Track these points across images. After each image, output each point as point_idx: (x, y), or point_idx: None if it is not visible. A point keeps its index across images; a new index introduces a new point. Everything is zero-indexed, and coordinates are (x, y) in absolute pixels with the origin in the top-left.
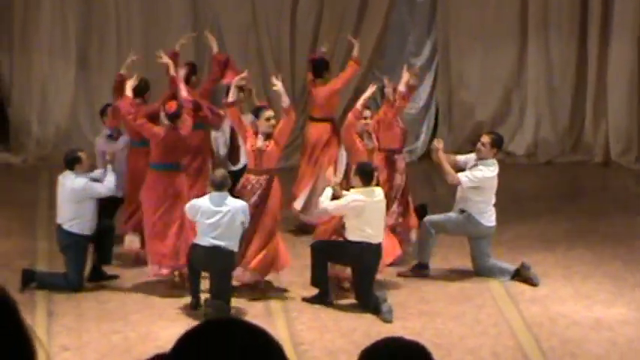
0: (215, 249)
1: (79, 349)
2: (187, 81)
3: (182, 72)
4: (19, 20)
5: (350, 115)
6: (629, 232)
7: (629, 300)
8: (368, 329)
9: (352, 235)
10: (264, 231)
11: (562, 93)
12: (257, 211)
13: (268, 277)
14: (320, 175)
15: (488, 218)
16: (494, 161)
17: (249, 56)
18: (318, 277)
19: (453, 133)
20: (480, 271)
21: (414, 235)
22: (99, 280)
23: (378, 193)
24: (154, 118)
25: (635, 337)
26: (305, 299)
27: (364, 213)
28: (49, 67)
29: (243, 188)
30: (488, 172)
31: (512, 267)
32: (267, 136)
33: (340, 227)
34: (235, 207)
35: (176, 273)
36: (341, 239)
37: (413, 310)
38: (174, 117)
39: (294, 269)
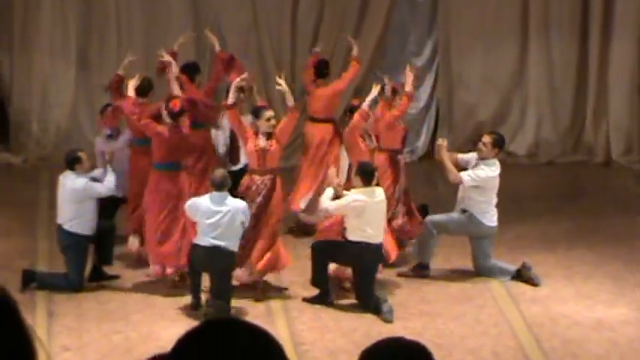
0: (215, 249)
1: (80, 349)
2: (192, 80)
3: (175, 70)
4: (19, 20)
5: (356, 116)
6: (630, 232)
7: (630, 300)
8: (369, 329)
9: (353, 235)
10: (269, 231)
11: (563, 93)
12: (262, 211)
13: (269, 278)
14: (326, 176)
15: (490, 218)
16: (496, 161)
17: (250, 56)
18: (319, 277)
19: (454, 133)
20: (481, 271)
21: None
22: (99, 280)
23: (379, 193)
24: (156, 118)
25: (636, 338)
26: (305, 299)
27: (365, 213)
28: (50, 67)
29: (248, 189)
30: (490, 171)
31: (513, 267)
32: (268, 136)
33: (342, 229)
34: (235, 207)
35: (177, 272)
36: (341, 239)
37: (414, 311)
38: (177, 115)
39: (295, 269)
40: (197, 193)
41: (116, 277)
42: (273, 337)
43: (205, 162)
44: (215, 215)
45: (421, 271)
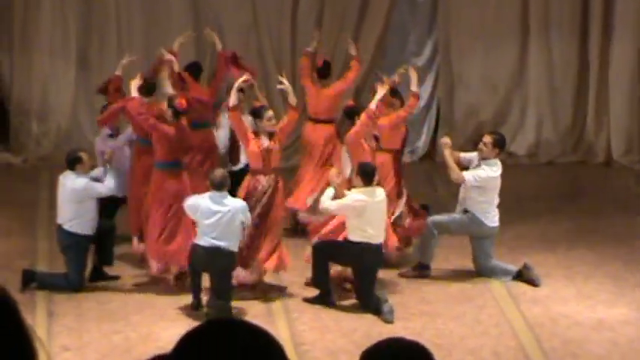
0: (215, 249)
1: (80, 350)
2: (196, 79)
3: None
4: (20, 20)
5: (364, 117)
6: (630, 232)
7: (630, 300)
8: (369, 330)
9: (353, 235)
10: (273, 231)
11: (563, 93)
12: (267, 211)
13: (269, 278)
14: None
15: (492, 219)
16: (497, 161)
17: (250, 56)
18: (319, 277)
19: (454, 133)
20: (482, 271)
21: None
22: (100, 280)
23: (380, 193)
24: (158, 117)
25: (636, 338)
26: (306, 300)
27: (365, 213)
28: (50, 67)
29: (254, 190)
30: (492, 172)
31: (514, 268)
32: (270, 136)
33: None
34: (235, 207)
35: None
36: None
37: (414, 311)
38: (182, 113)
39: (295, 269)
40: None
41: (116, 277)
42: (273, 337)
43: (210, 164)
44: (215, 215)
45: (422, 271)
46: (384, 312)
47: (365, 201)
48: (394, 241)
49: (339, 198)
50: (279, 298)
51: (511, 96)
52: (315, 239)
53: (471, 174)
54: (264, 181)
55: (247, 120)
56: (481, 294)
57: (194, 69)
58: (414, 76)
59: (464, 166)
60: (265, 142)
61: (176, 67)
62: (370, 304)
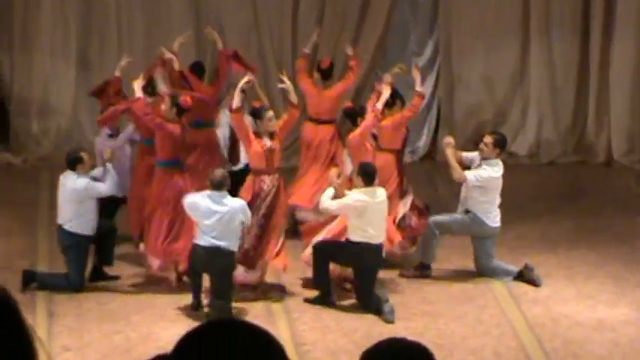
0: (215, 249)
1: (80, 350)
2: (200, 79)
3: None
4: (20, 20)
5: (371, 117)
6: (631, 232)
7: (631, 300)
8: (370, 330)
9: (354, 235)
10: (279, 230)
11: (564, 93)
12: (271, 211)
13: (270, 278)
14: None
15: (493, 219)
16: (499, 161)
17: (251, 56)
18: (320, 277)
19: (455, 133)
20: (483, 271)
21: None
22: (100, 280)
23: (380, 193)
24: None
25: (637, 338)
26: (307, 300)
27: (366, 213)
28: (50, 67)
29: (260, 190)
30: (493, 172)
31: (515, 268)
32: (270, 136)
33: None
34: (234, 207)
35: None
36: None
37: (415, 311)
38: (186, 111)
39: (296, 270)
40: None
41: (116, 277)
42: (274, 338)
43: (214, 162)
44: (214, 215)
45: (423, 271)
46: (385, 312)
47: (366, 201)
48: (398, 239)
49: (340, 198)
50: (279, 298)
51: (512, 96)
52: (309, 241)
53: (472, 174)
54: (268, 181)
55: (247, 120)
56: (482, 294)
57: (197, 68)
58: (417, 76)
59: (466, 166)
60: (268, 142)
61: (176, 66)
62: (370, 304)
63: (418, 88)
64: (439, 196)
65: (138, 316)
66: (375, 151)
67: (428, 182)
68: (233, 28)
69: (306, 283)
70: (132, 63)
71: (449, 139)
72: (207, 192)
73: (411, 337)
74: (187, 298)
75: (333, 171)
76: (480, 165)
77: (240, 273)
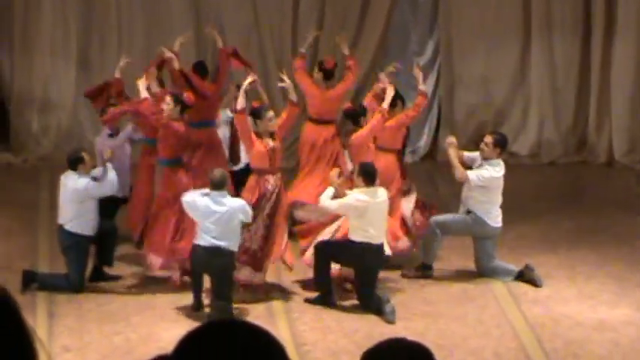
0: (215, 249)
1: (81, 350)
2: (203, 78)
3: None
4: (20, 20)
5: (379, 117)
6: (632, 232)
7: (632, 300)
8: (370, 330)
9: (354, 235)
10: (282, 230)
11: (565, 93)
12: (275, 211)
13: (271, 279)
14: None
15: (495, 219)
16: (500, 161)
17: (252, 56)
18: (321, 277)
19: (456, 133)
20: (484, 272)
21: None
22: (100, 281)
23: (381, 193)
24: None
25: (638, 338)
26: (308, 300)
27: (367, 213)
28: (50, 68)
29: (266, 190)
30: (494, 172)
31: (515, 268)
32: (271, 135)
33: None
34: (233, 206)
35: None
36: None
37: (416, 311)
38: (188, 109)
39: (296, 270)
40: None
41: (117, 277)
42: (274, 338)
43: (216, 161)
44: (214, 215)
45: (425, 271)
46: (386, 312)
47: (367, 201)
48: (402, 237)
49: (340, 198)
50: (280, 298)
51: (513, 96)
52: (305, 244)
53: (474, 173)
54: (272, 180)
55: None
56: (483, 294)
57: (200, 68)
58: (419, 75)
59: (467, 166)
60: (270, 141)
61: (176, 65)
62: (371, 304)
63: (421, 87)
64: (440, 195)
65: (138, 317)
66: (376, 151)
67: (429, 182)
68: (233, 28)
69: (307, 284)
70: (131, 63)
71: (451, 139)
72: (206, 190)
73: (411, 338)
74: (188, 299)
75: (334, 171)
76: (481, 165)
77: (247, 275)
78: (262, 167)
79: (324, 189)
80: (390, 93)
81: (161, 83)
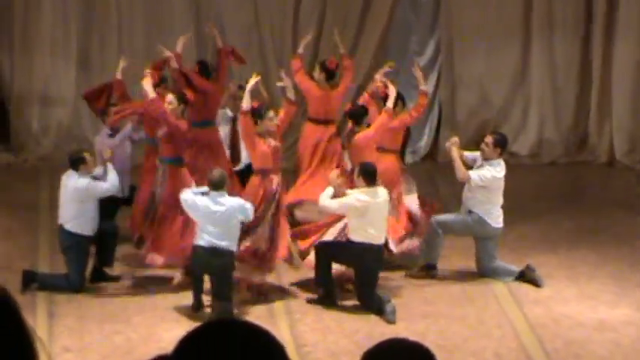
0: (215, 249)
1: (81, 351)
2: (206, 78)
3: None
4: (20, 20)
5: (386, 117)
6: (633, 232)
7: (633, 300)
8: (371, 330)
9: (355, 235)
10: (285, 228)
11: (566, 93)
12: (278, 210)
13: (271, 279)
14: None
15: (496, 219)
16: (501, 161)
17: (252, 56)
18: (322, 277)
19: (456, 133)
20: (485, 272)
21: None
22: (101, 281)
23: (382, 193)
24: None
25: (639, 338)
26: (309, 300)
27: (367, 213)
28: (50, 68)
29: (272, 190)
30: (495, 172)
31: (516, 268)
32: (272, 135)
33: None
34: (232, 206)
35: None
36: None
37: (416, 312)
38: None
39: (296, 270)
40: None
41: (117, 278)
42: (274, 338)
43: (218, 161)
44: (213, 215)
45: (429, 271)
46: (387, 312)
47: (367, 201)
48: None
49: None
50: (280, 299)
51: (513, 96)
52: (305, 245)
53: (476, 174)
54: (276, 179)
55: None
56: (483, 295)
57: (204, 68)
58: (419, 75)
59: (468, 166)
60: (272, 141)
61: (174, 64)
62: (371, 304)
63: (422, 87)
64: (440, 196)
65: (139, 317)
66: (377, 152)
67: (429, 182)
68: (234, 28)
69: (307, 284)
70: (130, 64)
71: (454, 139)
72: (204, 189)
73: (412, 338)
74: (188, 299)
75: (333, 172)
76: (482, 165)
77: (260, 278)
78: (266, 167)
79: (316, 185)
80: (392, 92)
81: (164, 82)
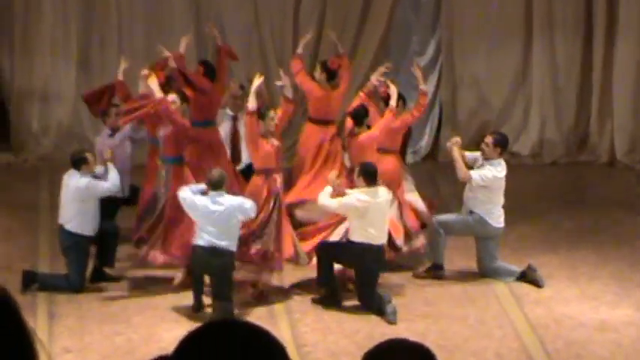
0: (214, 249)
1: (81, 351)
2: (211, 79)
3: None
4: (20, 21)
5: (390, 116)
6: (634, 232)
7: (634, 301)
8: (371, 331)
9: (355, 235)
10: (288, 227)
11: (567, 93)
12: (280, 210)
13: (274, 280)
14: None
15: (497, 219)
16: (502, 161)
17: (252, 56)
18: (324, 277)
19: (457, 133)
20: (486, 272)
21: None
22: (101, 281)
23: (382, 193)
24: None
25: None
26: (314, 300)
27: (368, 213)
28: (51, 68)
29: (275, 190)
30: (496, 172)
31: (517, 269)
32: (272, 134)
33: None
34: (232, 205)
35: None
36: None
37: (417, 312)
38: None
39: (297, 270)
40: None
41: (117, 278)
42: (274, 338)
43: (219, 160)
44: (212, 214)
45: (436, 271)
46: (388, 313)
47: (368, 201)
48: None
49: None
50: (281, 299)
51: (514, 96)
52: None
53: (477, 174)
54: (278, 179)
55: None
56: (484, 295)
57: (208, 68)
58: (419, 74)
59: (469, 166)
60: (274, 140)
61: (172, 64)
62: (372, 305)
63: (422, 86)
64: (441, 196)
65: (139, 318)
66: (378, 152)
67: (430, 182)
68: (234, 28)
69: (308, 285)
70: (130, 64)
71: (456, 139)
72: (202, 186)
73: (412, 339)
74: (188, 299)
75: (333, 172)
76: (482, 165)
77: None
78: (270, 167)
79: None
80: (394, 92)
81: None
